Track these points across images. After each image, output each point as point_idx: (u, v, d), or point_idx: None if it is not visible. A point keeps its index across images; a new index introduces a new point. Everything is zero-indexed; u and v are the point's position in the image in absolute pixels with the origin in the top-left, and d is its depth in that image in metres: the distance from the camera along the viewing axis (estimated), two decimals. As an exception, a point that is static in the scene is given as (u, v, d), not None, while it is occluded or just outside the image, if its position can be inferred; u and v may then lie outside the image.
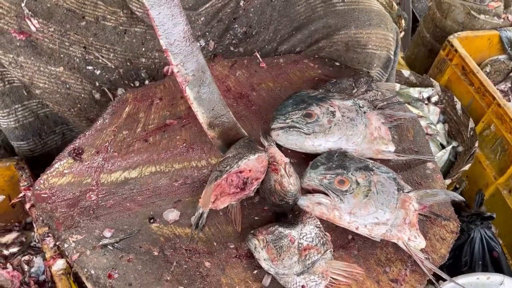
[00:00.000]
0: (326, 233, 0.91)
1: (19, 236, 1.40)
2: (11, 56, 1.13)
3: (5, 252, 1.36)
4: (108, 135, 1.08)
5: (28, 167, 1.25)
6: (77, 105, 1.26)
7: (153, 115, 1.14)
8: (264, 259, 0.87)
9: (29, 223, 1.46)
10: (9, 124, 1.26)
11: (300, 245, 0.87)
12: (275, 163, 0.96)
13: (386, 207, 0.94)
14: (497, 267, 1.55)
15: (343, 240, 0.98)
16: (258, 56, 1.31)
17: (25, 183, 1.21)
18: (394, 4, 2.21)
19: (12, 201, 1.30)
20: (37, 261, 1.34)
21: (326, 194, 0.95)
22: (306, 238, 0.87)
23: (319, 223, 0.91)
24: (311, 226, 0.90)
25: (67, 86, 1.22)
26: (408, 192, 0.98)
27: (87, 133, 1.08)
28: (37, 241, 1.38)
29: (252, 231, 0.90)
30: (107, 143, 1.07)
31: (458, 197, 1.02)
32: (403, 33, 2.09)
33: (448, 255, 1.01)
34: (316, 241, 0.88)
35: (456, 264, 1.56)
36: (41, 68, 1.17)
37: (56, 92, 1.22)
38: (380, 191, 0.95)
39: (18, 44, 1.12)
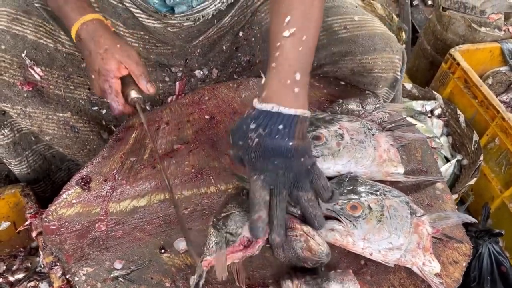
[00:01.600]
0: None
1: (24, 261, 1.39)
2: (19, 108, 1.12)
3: (11, 279, 1.35)
4: (116, 162, 1.07)
5: (34, 194, 1.24)
6: (87, 147, 1.26)
7: (160, 140, 1.13)
8: None
9: (33, 248, 1.45)
10: (22, 171, 1.25)
11: None
12: (289, 229, 0.90)
13: (400, 232, 0.93)
14: (505, 282, 1.54)
15: (356, 266, 0.97)
16: (264, 77, 1.30)
17: (31, 211, 1.20)
18: (394, 16, 2.22)
19: (18, 229, 1.29)
20: (43, 286, 1.33)
21: (339, 220, 0.95)
22: None
23: (358, 287, 0.87)
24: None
25: (76, 130, 1.22)
26: (421, 216, 0.97)
27: (94, 161, 1.07)
28: (42, 266, 1.37)
29: (289, 272, 0.88)
30: (114, 171, 1.06)
31: (470, 219, 1.01)
32: (404, 45, 2.09)
33: (461, 278, 1.00)
34: None
35: (465, 279, 1.55)
36: (50, 116, 1.16)
37: (65, 137, 1.22)
38: (393, 215, 0.95)
39: (25, 95, 1.11)
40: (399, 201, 0.98)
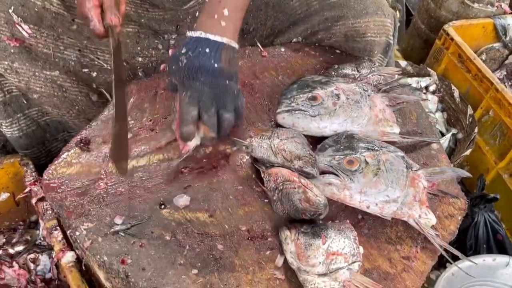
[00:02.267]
0: (360, 246, 0.89)
1: (24, 234, 1.40)
2: (6, 63, 1.12)
3: (11, 251, 1.35)
4: (114, 125, 1.08)
5: (33, 163, 1.25)
6: (75, 107, 1.26)
7: (158, 105, 1.14)
8: (291, 252, 0.87)
9: (33, 221, 1.45)
10: (13, 133, 1.25)
11: (329, 248, 0.85)
12: (287, 182, 0.93)
13: (396, 185, 0.95)
14: (502, 250, 1.55)
15: (353, 220, 0.99)
16: (259, 46, 1.32)
17: (30, 179, 1.20)
18: (388, -3, 2.24)
19: (18, 197, 1.29)
20: (43, 259, 1.34)
21: (336, 175, 0.96)
22: (338, 244, 0.86)
23: (355, 235, 0.89)
24: (346, 235, 0.88)
25: (64, 89, 1.22)
26: (416, 170, 0.99)
27: (93, 124, 1.08)
28: (42, 239, 1.37)
29: (288, 224, 0.91)
30: (113, 133, 1.06)
31: (465, 173, 1.03)
32: (398, 23, 2.11)
33: (457, 231, 1.02)
34: (346, 250, 0.86)
35: (461, 248, 1.56)
36: (37, 73, 1.17)
37: (53, 96, 1.22)
38: (389, 169, 0.96)
39: (12, 50, 1.12)
40: (395, 155, 0.99)
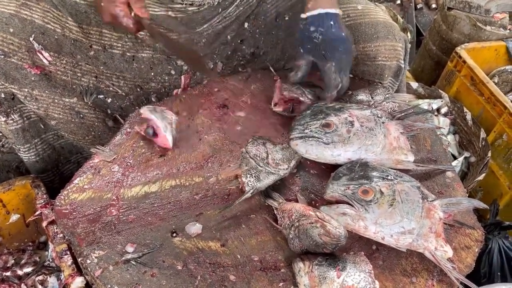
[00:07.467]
0: (376, 281, 0.86)
1: (32, 255, 1.39)
2: (26, 90, 1.13)
3: (19, 272, 1.34)
4: (127, 150, 1.08)
5: (44, 185, 1.24)
6: (91, 133, 1.27)
7: (171, 129, 1.13)
8: (304, 285, 0.85)
9: (42, 242, 1.44)
10: (30, 158, 1.26)
11: (344, 282, 0.83)
12: (303, 218, 0.91)
13: (412, 216, 0.93)
14: (517, 277, 1.52)
15: (367, 251, 0.97)
16: (272, 70, 1.31)
17: (41, 201, 1.20)
18: (399, 17, 2.24)
19: (28, 220, 1.29)
20: (51, 280, 1.32)
21: (350, 205, 0.94)
22: (353, 278, 0.84)
23: (371, 268, 0.87)
24: (361, 268, 0.86)
25: (81, 115, 1.23)
26: (432, 200, 0.97)
27: (106, 149, 1.07)
28: (51, 260, 1.36)
29: (301, 256, 0.89)
30: (126, 158, 1.06)
31: (481, 204, 1.01)
32: (409, 45, 2.10)
33: (474, 264, 0.99)
34: (361, 284, 0.84)
35: (474, 275, 1.53)
36: (56, 100, 1.18)
37: (70, 122, 1.23)
38: (404, 200, 0.95)
39: (32, 78, 1.13)
40: (410, 186, 0.98)
